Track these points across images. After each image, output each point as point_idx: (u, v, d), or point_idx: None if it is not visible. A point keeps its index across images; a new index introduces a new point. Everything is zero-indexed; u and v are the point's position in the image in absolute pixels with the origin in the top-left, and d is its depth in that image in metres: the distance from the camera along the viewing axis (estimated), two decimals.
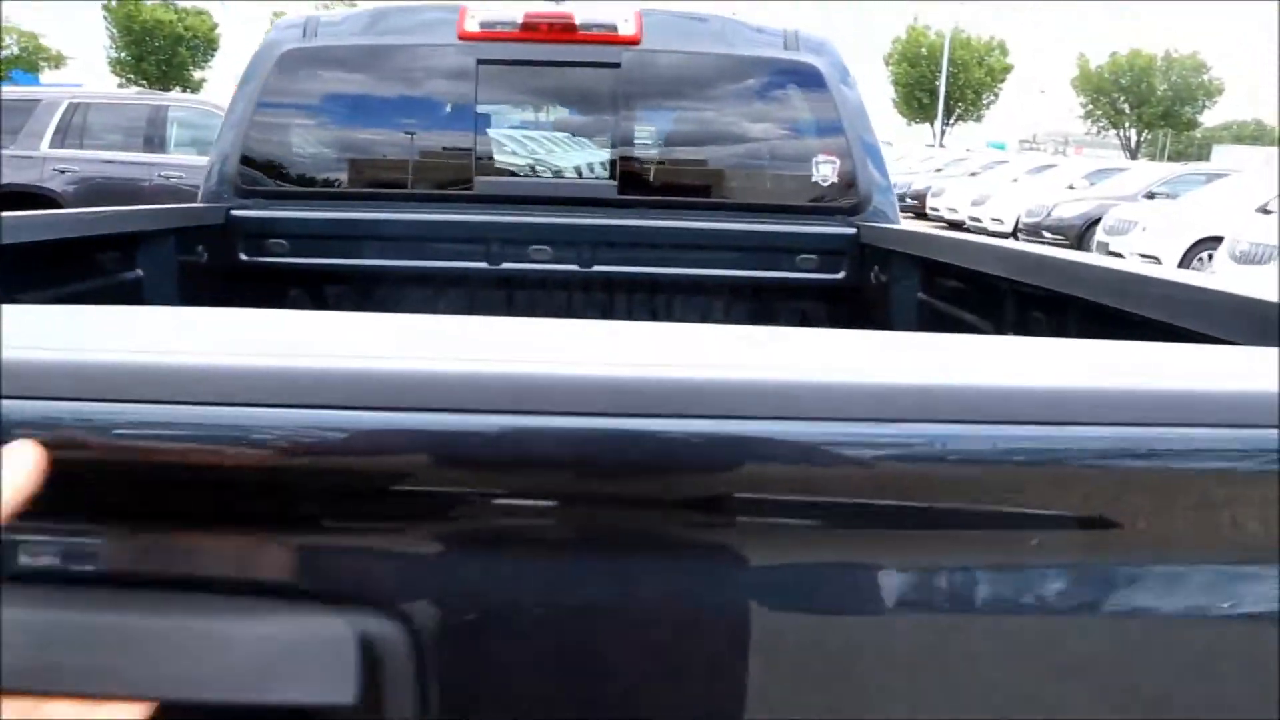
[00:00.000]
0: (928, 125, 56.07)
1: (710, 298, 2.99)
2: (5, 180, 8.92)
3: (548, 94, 3.03)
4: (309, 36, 2.86)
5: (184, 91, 43.07)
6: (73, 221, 2.20)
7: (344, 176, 3.00)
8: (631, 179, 2.98)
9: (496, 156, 3.00)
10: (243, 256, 2.88)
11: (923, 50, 55.45)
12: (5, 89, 10.23)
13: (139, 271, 2.45)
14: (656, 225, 2.92)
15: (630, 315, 2.98)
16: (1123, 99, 56.72)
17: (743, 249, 2.90)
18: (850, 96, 2.86)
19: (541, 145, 3.03)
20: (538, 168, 3.04)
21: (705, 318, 2.97)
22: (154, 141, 9.40)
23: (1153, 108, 55.70)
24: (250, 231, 2.88)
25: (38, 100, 9.59)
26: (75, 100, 9.56)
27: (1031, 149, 58.89)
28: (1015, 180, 20.16)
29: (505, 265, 2.91)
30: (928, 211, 22.01)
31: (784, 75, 2.87)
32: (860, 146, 2.85)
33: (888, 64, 59.45)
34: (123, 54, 50.85)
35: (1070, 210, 15.76)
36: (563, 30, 2.78)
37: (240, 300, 2.84)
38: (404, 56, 2.89)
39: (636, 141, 3.01)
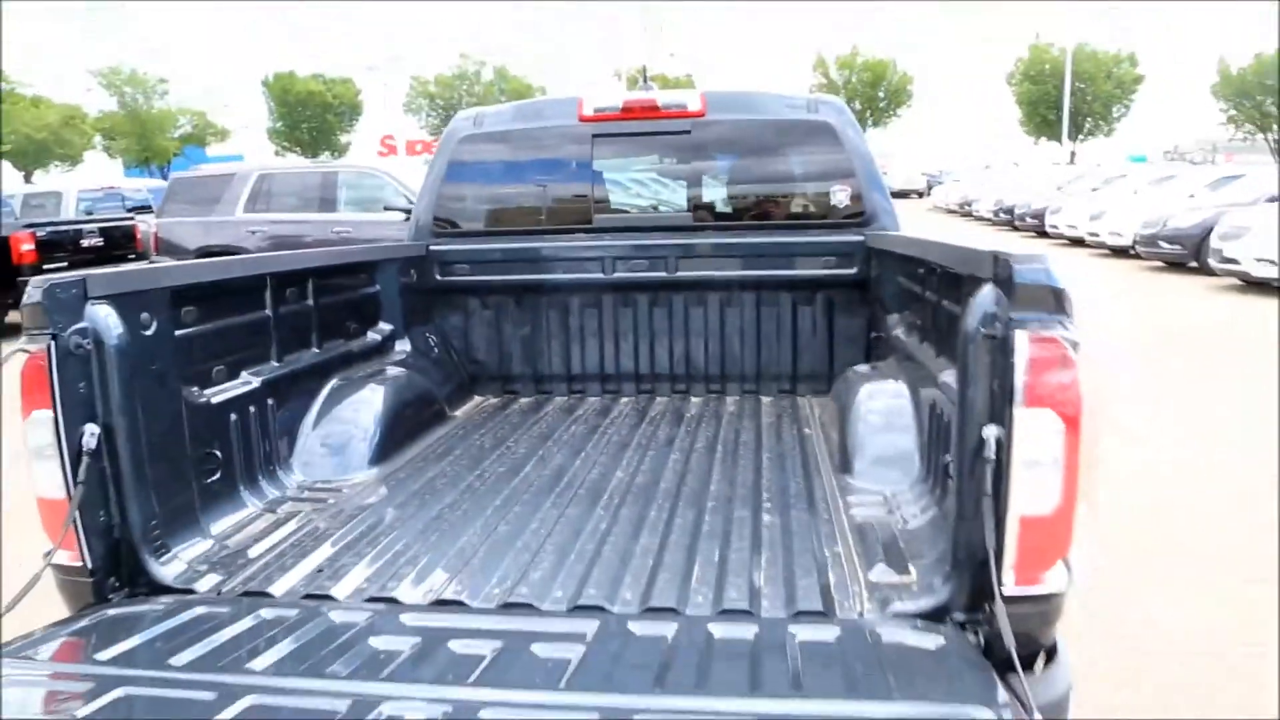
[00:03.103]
0: (1057, 143, 54.60)
1: (762, 291, 3.99)
2: (211, 242, 10.71)
3: (641, 154, 4.10)
4: (478, 125, 4.04)
5: (332, 155, 46.79)
6: (341, 254, 3.33)
7: (504, 218, 4.16)
8: (702, 210, 4.09)
9: (608, 199, 4.08)
10: (438, 277, 4.05)
11: (1046, 67, 54.34)
12: (208, 166, 12.10)
13: (377, 287, 3.61)
14: (721, 241, 4.01)
15: (705, 306, 4.04)
16: (1270, 101, 53.59)
17: (785, 255, 3.91)
18: (858, 142, 3.80)
19: (638, 190, 4.11)
20: (636, 206, 4.12)
21: (758, 305, 3.99)
22: (326, 203, 11.04)
23: None
24: (442, 260, 4.05)
25: (233, 174, 11.43)
26: (264, 172, 11.36)
27: (1175, 160, 56.32)
28: (1136, 193, 19.81)
29: (616, 275, 4.02)
30: (1048, 230, 22.08)
31: (808, 131, 3.82)
32: (866, 177, 3.78)
33: (1010, 84, 58.46)
34: (279, 124, 55.86)
35: (1187, 220, 15.47)
36: (650, 109, 3.85)
37: (436, 306, 3.98)
38: (544, 134, 4.03)
39: (704, 184, 4.09)
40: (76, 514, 1.93)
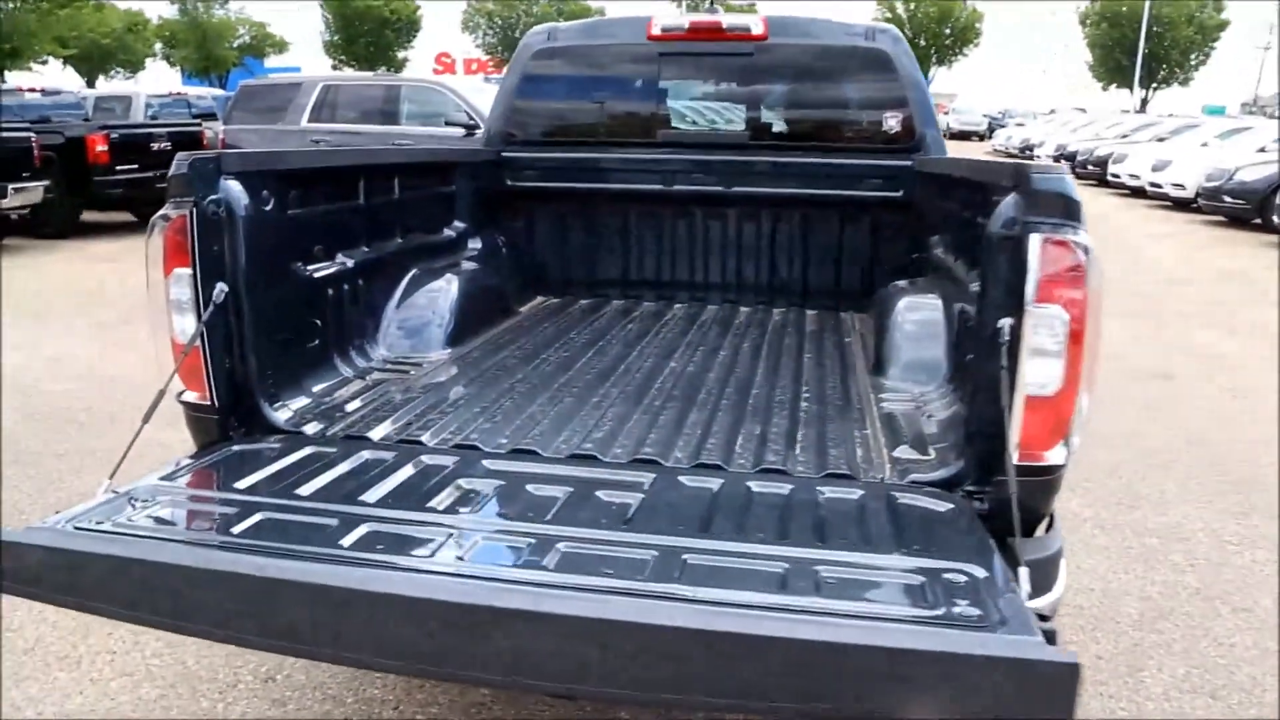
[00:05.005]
0: (1128, 90, 52.82)
1: (813, 209, 4.19)
2: (275, 149, 11.01)
3: (704, 74, 4.26)
4: (551, 39, 4.23)
5: (389, 70, 46.92)
6: (424, 154, 3.59)
7: (572, 130, 4.38)
8: (758, 129, 4.27)
9: (671, 115, 4.26)
10: (508, 182, 4.31)
11: (1123, 9, 52.22)
12: (275, 75, 12.36)
13: (454, 188, 3.87)
14: (774, 160, 4.18)
15: (757, 222, 4.25)
16: None
17: (836, 176, 4.08)
18: (911, 70, 3.94)
19: (700, 108, 4.28)
20: (698, 123, 4.30)
21: (807, 222, 4.18)
22: (388, 115, 11.26)
23: None
24: (512, 166, 4.30)
25: (300, 83, 11.71)
26: (328, 83, 11.61)
27: (1255, 113, 54.02)
28: (1204, 145, 19.31)
29: (676, 187, 4.24)
30: (1108, 178, 21.70)
31: (864, 58, 3.97)
32: (917, 105, 3.93)
33: (1084, 25, 56.35)
34: (336, 38, 55.80)
35: (1253, 174, 15.07)
36: (715, 31, 4.02)
37: (505, 210, 4.24)
38: (613, 51, 4.22)
39: (762, 105, 4.26)
40: (206, 357, 2.25)
